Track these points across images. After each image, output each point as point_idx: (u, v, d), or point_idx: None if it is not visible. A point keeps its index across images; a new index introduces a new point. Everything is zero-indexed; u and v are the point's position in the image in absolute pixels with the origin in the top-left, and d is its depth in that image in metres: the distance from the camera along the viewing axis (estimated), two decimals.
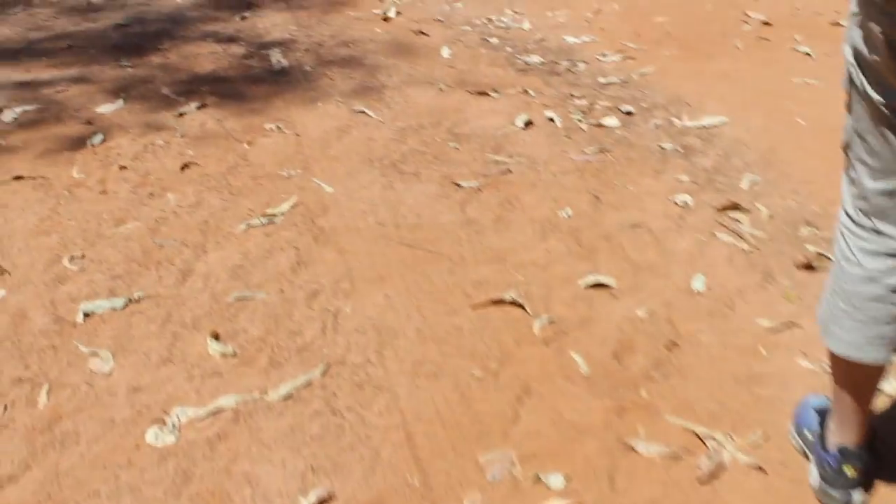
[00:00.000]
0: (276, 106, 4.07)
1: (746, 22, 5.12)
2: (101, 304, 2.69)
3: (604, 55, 4.69)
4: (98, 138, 3.75)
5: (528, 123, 3.86)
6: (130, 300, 2.72)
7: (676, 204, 3.27)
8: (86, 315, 2.65)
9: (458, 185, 3.36)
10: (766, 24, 5.06)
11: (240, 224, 3.12)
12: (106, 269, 2.88)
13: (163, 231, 3.09)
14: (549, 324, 2.60)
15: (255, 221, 3.13)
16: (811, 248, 2.99)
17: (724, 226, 3.13)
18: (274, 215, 3.17)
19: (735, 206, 3.24)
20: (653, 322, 2.62)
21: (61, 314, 2.67)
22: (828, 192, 3.34)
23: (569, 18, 5.30)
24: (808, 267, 2.90)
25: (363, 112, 3.97)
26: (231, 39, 4.99)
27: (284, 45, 4.88)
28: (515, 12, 5.42)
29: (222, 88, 4.28)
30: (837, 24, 5.04)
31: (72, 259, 2.93)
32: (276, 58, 4.67)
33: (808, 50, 4.67)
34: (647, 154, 3.63)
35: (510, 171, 3.47)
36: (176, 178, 3.44)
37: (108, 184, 3.40)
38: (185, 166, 3.53)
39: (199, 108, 4.04)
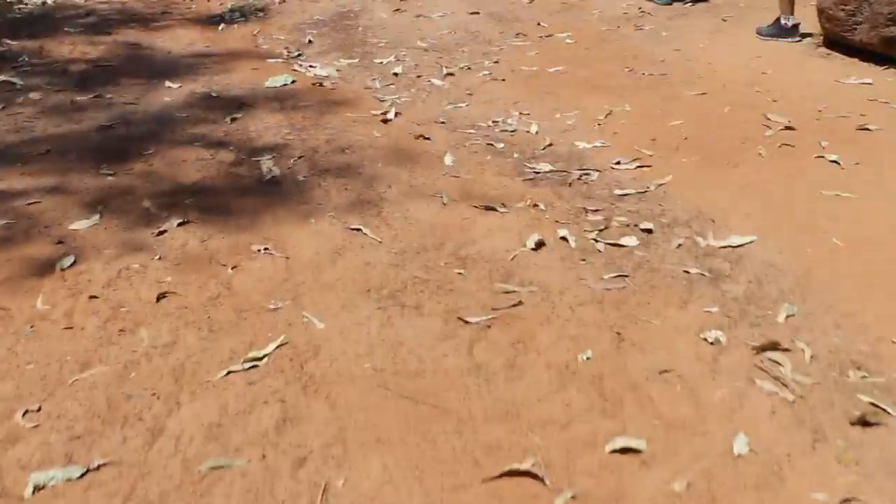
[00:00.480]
0: (265, 222, 3.74)
1: (767, 126, 4.82)
2: (54, 475, 2.33)
3: (618, 163, 4.38)
4: (68, 261, 3.40)
5: (540, 244, 3.52)
6: (89, 469, 2.36)
7: (708, 341, 2.93)
8: (36, 488, 2.29)
9: (464, 321, 3.01)
10: (789, 128, 4.76)
11: (219, 370, 2.76)
12: (64, 427, 2.52)
13: (132, 378, 2.74)
14: (572, 500, 2.24)
15: (237, 366, 2.78)
16: (864, 398, 2.65)
17: (764, 370, 2.79)
18: (258, 358, 2.82)
19: (774, 346, 2.90)
20: (692, 498, 2.27)
21: (7, 486, 2.31)
22: (874, 327, 3.01)
23: (578, 121, 5.00)
24: (863, 422, 2.56)
25: (360, 230, 3.63)
26: (220, 144, 4.69)
27: (276, 150, 4.57)
28: (522, 114, 5.12)
29: (207, 201, 3.96)
30: (865, 128, 4.74)
31: (26, 414, 2.58)
32: (267, 165, 4.36)
33: (836, 158, 4.36)
34: (670, 280, 3.30)
35: (521, 303, 3.12)
36: (151, 311, 3.09)
37: (76, 317, 3.06)
38: (161, 296, 3.18)
39: (180, 224, 3.71)
